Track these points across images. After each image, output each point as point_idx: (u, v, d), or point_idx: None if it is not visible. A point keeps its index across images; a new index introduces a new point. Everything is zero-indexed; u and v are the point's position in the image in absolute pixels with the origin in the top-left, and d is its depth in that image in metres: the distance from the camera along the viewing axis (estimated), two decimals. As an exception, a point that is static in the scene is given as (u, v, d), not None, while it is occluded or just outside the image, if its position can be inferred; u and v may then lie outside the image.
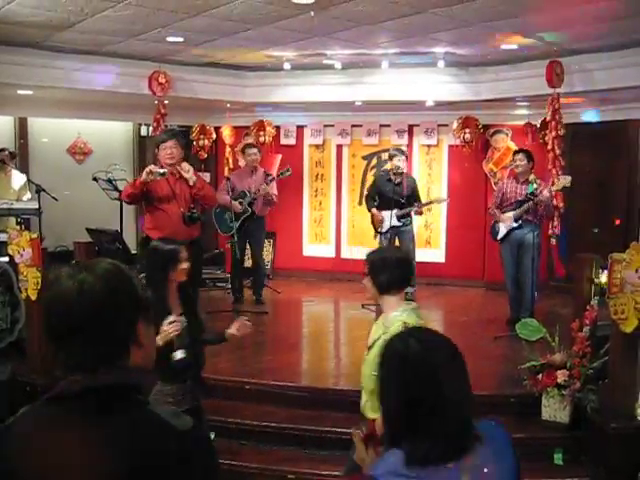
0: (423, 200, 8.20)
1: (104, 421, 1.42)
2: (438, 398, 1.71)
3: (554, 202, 7.01)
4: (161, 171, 5.69)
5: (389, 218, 7.83)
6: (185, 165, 5.84)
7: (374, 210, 8.00)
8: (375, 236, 8.05)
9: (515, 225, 6.78)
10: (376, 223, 8.03)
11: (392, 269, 3.16)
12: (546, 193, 6.59)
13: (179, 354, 3.54)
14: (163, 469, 1.42)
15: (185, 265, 3.67)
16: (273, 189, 8.05)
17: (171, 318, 3.45)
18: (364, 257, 3.33)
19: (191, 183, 5.80)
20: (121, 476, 1.39)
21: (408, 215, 7.90)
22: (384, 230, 7.90)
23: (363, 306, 7.39)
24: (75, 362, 1.46)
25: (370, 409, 3.15)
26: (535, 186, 6.58)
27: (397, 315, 3.07)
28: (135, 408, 1.47)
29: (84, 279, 1.46)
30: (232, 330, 3.82)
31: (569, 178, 6.70)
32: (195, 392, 3.69)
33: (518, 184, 6.87)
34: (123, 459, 1.39)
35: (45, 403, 1.49)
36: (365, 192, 8.66)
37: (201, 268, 6.61)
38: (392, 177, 7.86)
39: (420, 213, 8.02)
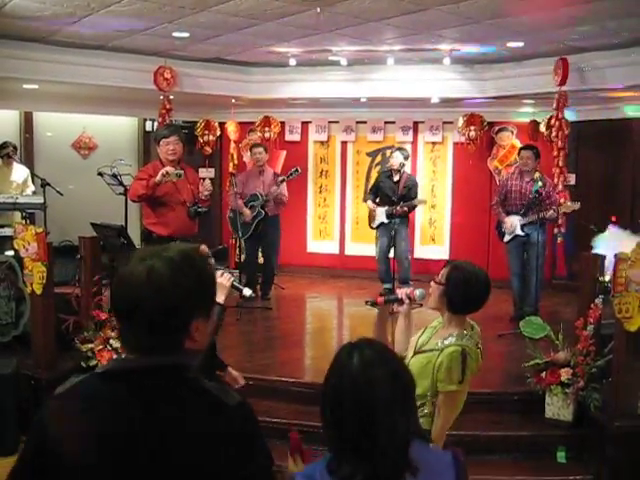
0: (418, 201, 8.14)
1: (160, 397, 1.49)
2: (368, 421, 1.61)
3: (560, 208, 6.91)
4: (177, 172, 5.71)
5: (380, 214, 7.96)
6: (208, 185, 5.95)
7: (369, 202, 8.18)
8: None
9: (522, 234, 6.76)
10: (370, 216, 8.22)
11: (474, 293, 3.02)
12: (552, 214, 6.59)
13: (247, 290, 3.46)
14: (216, 442, 1.49)
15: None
16: (283, 189, 8.05)
17: (219, 272, 3.39)
18: (447, 262, 3.20)
19: (203, 197, 5.88)
20: (176, 450, 1.45)
21: (395, 214, 7.84)
22: (374, 225, 8.11)
23: (367, 302, 7.38)
24: (134, 342, 1.52)
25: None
26: (540, 184, 6.55)
27: (457, 339, 2.98)
28: (188, 385, 1.53)
29: (153, 265, 1.50)
30: (233, 373, 3.76)
31: (578, 204, 6.69)
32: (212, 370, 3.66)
33: (523, 182, 6.83)
34: (179, 434, 1.46)
35: (97, 377, 1.54)
36: (369, 187, 8.74)
37: None
38: (392, 175, 7.91)
39: (402, 213, 7.87)
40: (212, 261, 3.67)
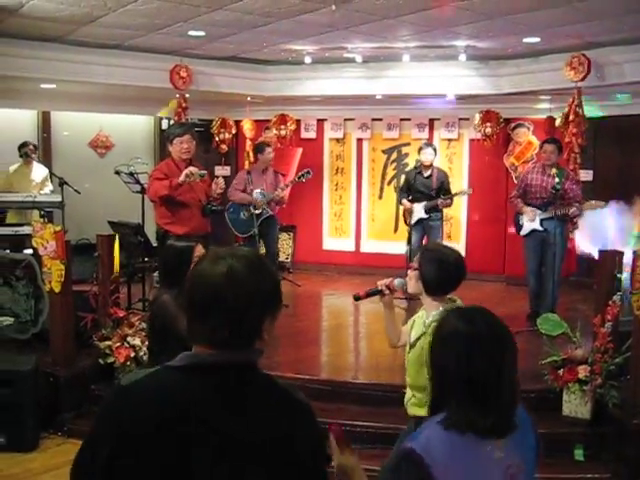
0: (463, 191, 8.19)
1: (236, 393, 1.53)
2: (498, 377, 1.78)
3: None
4: (201, 173, 5.74)
5: (418, 211, 7.86)
6: (221, 183, 5.97)
7: (404, 201, 8.03)
8: (402, 229, 8.05)
9: (540, 229, 6.64)
10: (406, 214, 8.08)
11: (446, 272, 3.09)
12: (575, 210, 6.44)
13: None
14: (290, 437, 1.53)
15: None
16: (285, 192, 8.06)
17: None
18: (420, 250, 3.32)
19: (215, 195, 5.93)
20: (255, 444, 1.49)
21: (436, 209, 7.85)
22: (413, 222, 7.93)
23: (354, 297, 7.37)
24: (207, 337, 1.55)
25: (415, 405, 3.18)
26: (557, 180, 6.43)
27: (436, 315, 3.01)
28: (263, 382, 1.60)
29: (232, 264, 1.55)
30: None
31: (604, 203, 6.60)
32: None
33: (544, 176, 6.65)
34: (257, 428, 1.50)
35: (172, 370, 1.56)
36: (399, 187, 8.65)
37: None
38: (422, 170, 7.87)
39: (446, 205, 7.92)
40: None
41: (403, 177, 8.76)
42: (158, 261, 5.51)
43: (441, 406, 1.82)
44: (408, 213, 7.99)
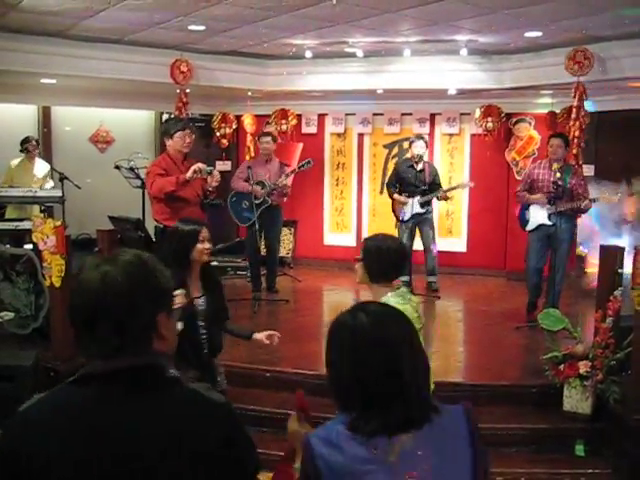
0: (445, 187, 8.13)
1: (140, 399, 1.47)
2: (393, 363, 1.66)
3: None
4: (208, 169, 5.74)
5: (412, 205, 7.79)
6: (217, 177, 5.93)
7: (396, 195, 7.93)
8: (396, 225, 7.97)
9: (549, 223, 6.52)
10: (397, 210, 7.98)
11: (387, 259, 3.21)
12: (588, 203, 6.38)
13: (179, 325, 3.46)
14: (204, 441, 1.46)
15: (207, 245, 3.67)
16: (288, 181, 8.00)
17: (176, 292, 3.40)
18: (363, 241, 3.39)
19: (210, 188, 5.91)
20: (164, 451, 1.43)
21: (429, 203, 7.86)
22: (406, 218, 7.85)
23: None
24: (97, 349, 1.50)
25: None
26: (559, 175, 6.38)
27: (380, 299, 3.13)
28: (170, 385, 1.53)
29: (107, 270, 1.50)
30: (260, 335, 3.86)
31: (618, 196, 6.58)
32: (207, 380, 3.67)
33: (550, 171, 6.52)
34: (164, 434, 1.44)
35: (68, 386, 1.51)
36: (386, 180, 8.57)
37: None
38: (414, 164, 7.83)
39: (445, 198, 7.92)
40: (211, 245, 3.68)
41: (392, 168, 8.66)
42: (164, 244, 5.50)
43: (344, 409, 1.71)
44: (400, 208, 7.91)
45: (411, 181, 7.81)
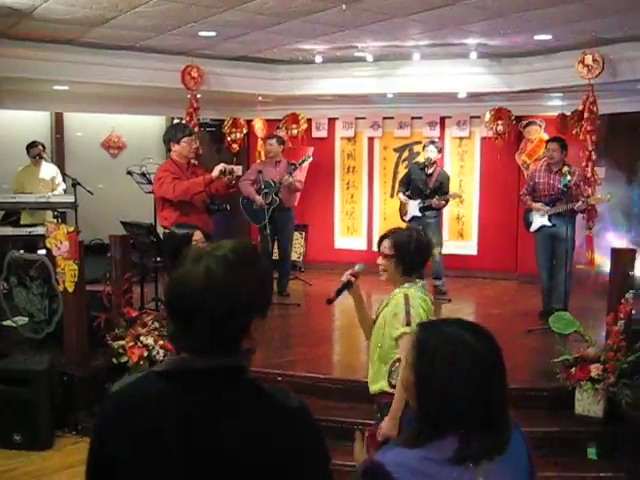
0: (452, 194, 8.18)
1: (218, 399, 1.48)
2: (485, 396, 1.61)
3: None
4: (230, 168, 5.87)
5: (412, 208, 7.90)
6: (237, 172, 5.97)
7: (400, 195, 8.10)
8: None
9: (549, 224, 6.71)
10: (401, 209, 8.13)
11: (419, 251, 3.26)
12: (581, 205, 6.49)
13: None
14: (280, 444, 1.47)
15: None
16: (298, 176, 8.03)
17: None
18: (382, 237, 3.39)
19: (231, 183, 5.93)
20: (243, 452, 1.44)
21: (430, 208, 7.86)
22: (407, 219, 8.00)
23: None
24: (190, 344, 1.50)
25: (371, 381, 3.32)
26: (569, 178, 6.48)
27: (401, 288, 3.23)
28: (248, 387, 1.53)
29: (210, 266, 1.48)
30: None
31: (609, 196, 6.64)
32: None
33: (551, 174, 6.77)
34: (244, 436, 1.45)
35: (156, 376, 1.53)
36: (400, 179, 8.67)
37: None
38: (425, 167, 7.88)
39: (440, 207, 7.92)
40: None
41: (405, 169, 8.80)
42: (162, 248, 5.52)
43: (435, 431, 1.62)
44: (403, 207, 8.04)
45: (417, 184, 7.90)
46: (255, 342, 1.56)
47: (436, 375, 1.63)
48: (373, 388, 3.28)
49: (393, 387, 3.13)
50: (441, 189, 7.91)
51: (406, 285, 3.24)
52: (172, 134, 5.97)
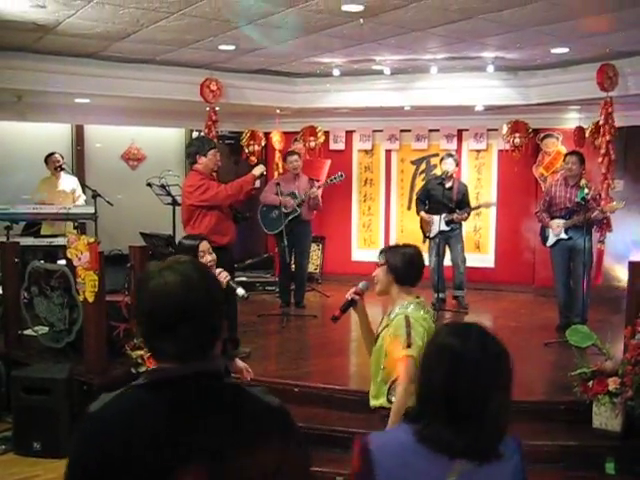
0: (487, 203, 8.20)
1: (207, 403, 1.52)
2: (485, 401, 1.67)
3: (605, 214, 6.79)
4: (262, 171, 6.06)
5: (438, 222, 7.77)
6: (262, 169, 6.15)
7: (423, 213, 7.94)
8: (424, 241, 7.97)
9: (565, 237, 6.67)
10: (425, 227, 7.96)
11: (410, 261, 3.39)
12: (598, 214, 6.48)
13: (241, 290, 3.73)
14: (266, 442, 1.52)
15: (208, 258, 3.80)
16: (319, 195, 8.07)
17: (217, 271, 3.64)
18: (384, 248, 3.63)
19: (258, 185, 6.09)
20: (231, 454, 1.48)
21: (456, 221, 7.85)
22: (432, 235, 7.84)
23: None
24: (175, 351, 1.54)
25: (372, 397, 3.49)
26: (586, 191, 6.44)
27: (401, 308, 3.31)
28: (229, 389, 1.59)
29: (190, 276, 1.56)
30: (241, 365, 4.04)
31: (623, 203, 6.61)
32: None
33: (568, 187, 6.73)
34: (231, 438, 1.49)
35: (139, 389, 1.55)
36: (415, 195, 8.62)
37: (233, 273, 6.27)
38: (443, 181, 7.84)
39: (462, 219, 7.89)
40: (214, 257, 3.88)
41: (421, 184, 8.74)
42: None
43: (420, 416, 1.74)
44: (427, 225, 7.91)
45: (439, 198, 7.74)
46: (218, 348, 1.63)
47: (421, 367, 1.79)
48: (373, 403, 3.44)
49: (391, 403, 3.29)
50: (464, 201, 7.89)
51: (406, 304, 3.34)
52: (199, 146, 5.98)
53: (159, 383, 1.53)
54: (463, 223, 8.08)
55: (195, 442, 1.47)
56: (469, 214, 7.94)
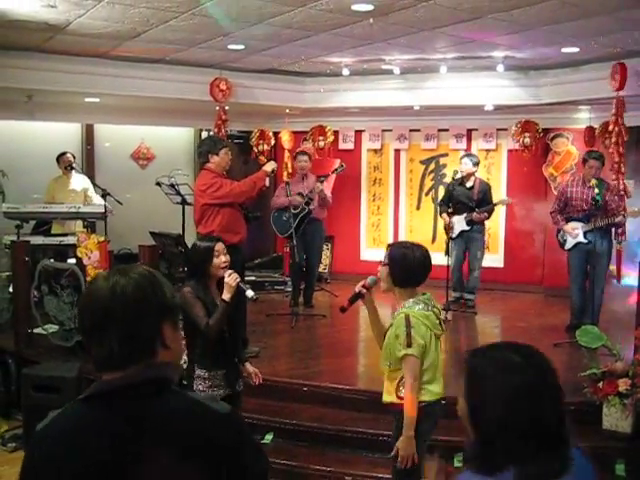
0: (502, 200, 8.16)
1: (148, 412, 1.50)
2: (539, 421, 1.60)
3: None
4: (274, 168, 6.10)
5: (458, 222, 7.79)
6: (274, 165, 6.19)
7: (444, 215, 7.90)
8: (433, 241, 7.97)
9: (585, 241, 6.55)
10: (446, 228, 7.93)
11: (411, 265, 3.33)
12: (622, 219, 6.40)
13: (250, 292, 3.76)
14: (210, 451, 1.50)
15: (223, 259, 3.80)
16: (325, 189, 8.07)
17: (227, 272, 3.67)
18: (387, 246, 3.56)
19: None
20: (172, 462, 1.46)
21: (475, 221, 7.80)
22: (454, 235, 7.83)
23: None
24: (104, 358, 1.54)
25: (384, 392, 3.47)
26: (597, 191, 6.34)
27: (403, 307, 3.31)
28: (175, 397, 1.57)
29: (117, 281, 1.56)
30: (251, 369, 4.05)
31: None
32: (231, 380, 3.83)
33: (585, 188, 6.60)
34: (172, 447, 1.47)
35: (79, 404, 1.55)
36: (439, 199, 8.59)
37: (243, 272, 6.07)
38: (464, 181, 7.84)
39: (483, 219, 7.85)
40: (228, 258, 3.90)
41: (443, 189, 8.74)
42: (185, 259, 5.57)
43: (490, 459, 1.58)
44: (448, 227, 7.85)
45: (460, 198, 7.76)
46: (175, 355, 1.62)
47: (488, 404, 1.60)
48: (385, 399, 3.44)
49: (401, 398, 3.29)
50: (485, 200, 7.83)
51: (410, 302, 3.32)
52: (211, 145, 5.96)
53: (100, 395, 1.52)
54: (486, 227, 8.07)
55: (134, 454, 1.45)
56: (490, 213, 7.89)
